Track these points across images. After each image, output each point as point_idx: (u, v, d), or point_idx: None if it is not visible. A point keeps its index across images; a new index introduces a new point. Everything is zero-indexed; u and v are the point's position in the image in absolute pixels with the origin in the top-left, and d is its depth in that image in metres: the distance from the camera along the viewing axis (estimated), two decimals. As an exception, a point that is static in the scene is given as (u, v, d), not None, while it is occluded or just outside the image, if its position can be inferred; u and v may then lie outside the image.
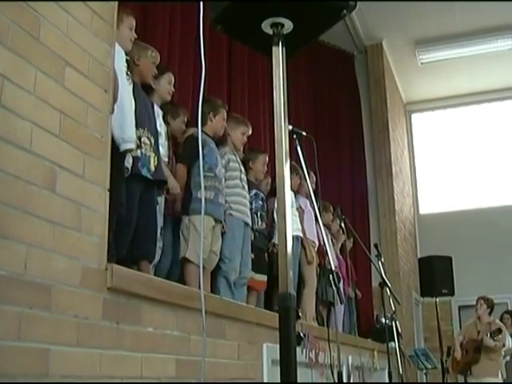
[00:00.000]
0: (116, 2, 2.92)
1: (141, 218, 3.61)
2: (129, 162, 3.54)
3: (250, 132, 5.33)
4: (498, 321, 8.30)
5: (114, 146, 3.28)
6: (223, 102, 5.04)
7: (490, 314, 8.26)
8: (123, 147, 3.36)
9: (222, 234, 4.68)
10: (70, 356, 2.25)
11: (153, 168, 3.73)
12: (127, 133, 3.38)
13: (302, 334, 1.95)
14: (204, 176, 4.37)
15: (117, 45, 3.47)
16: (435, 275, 9.13)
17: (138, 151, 3.64)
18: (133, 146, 3.46)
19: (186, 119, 4.75)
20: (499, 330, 7.88)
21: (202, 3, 2.25)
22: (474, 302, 8.57)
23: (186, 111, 4.82)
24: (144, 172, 3.64)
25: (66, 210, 2.34)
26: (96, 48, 2.66)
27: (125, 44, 3.63)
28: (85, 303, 2.38)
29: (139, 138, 3.67)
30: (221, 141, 5.01)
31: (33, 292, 2.11)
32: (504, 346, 8.12)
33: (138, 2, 5.02)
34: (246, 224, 5.00)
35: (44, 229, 2.21)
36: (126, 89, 3.49)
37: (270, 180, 6.07)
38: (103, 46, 2.73)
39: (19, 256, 2.07)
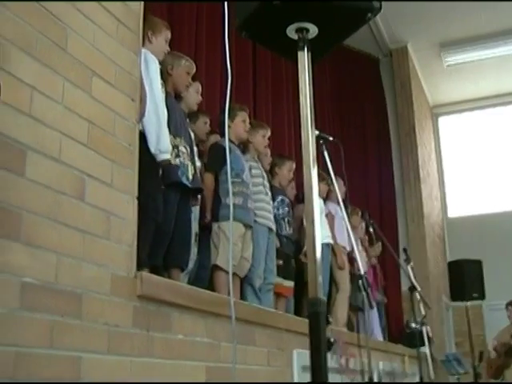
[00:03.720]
0: (141, 11, 2.94)
1: (176, 227, 3.63)
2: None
3: (270, 133, 5.32)
4: None
5: (151, 155, 3.33)
6: (240, 105, 5.04)
7: None
8: (160, 158, 3.40)
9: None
10: (101, 363, 2.26)
11: (190, 176, 3.76)
12: (164, 144, 3.43)
13: (332, 340, 1.93)
14: (232, 182, 4.38)
15: (151, 54, 3.51)
16: (465, 279, 9.02)
17: (177, 160, 3.68)
18: (169, 156, 3.50)
19: (207, 120, 4.76)
20: None
21: (226, 10, 2.25)
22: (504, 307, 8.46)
23: (204, 112, 4.82)
24: (184, 180, 3.66)
25: (95, 219, 2.36)
26: (122, 57, 2.69)
27: (159, 56, 3.66)
28: (115, 311, 2.39)
29: (177, 147, 3.71)
30: (243, 151, 5.02)
31: (64, 300, 2.12)
32: None
33: (163, 1, 5.06)
34: (270, 230, 4.99)
35: (74, 237, 2.23)
36: (161, 99, 3.53)
37: (294, 185, 6.07)
38: (129, 55, 2.75)
39: (50, 265, 2.09)
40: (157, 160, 3.40)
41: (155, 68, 3.57)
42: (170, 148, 3.56)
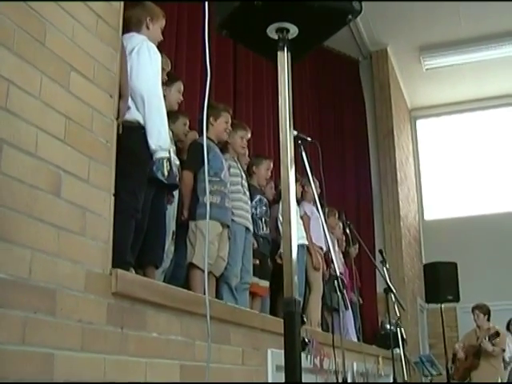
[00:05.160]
0: (121, 8, 2.93)
1: (151, 223, 3.60)
2: None
3: (249, 135, 5.32)
4: (497, 326, 8.26)
5: (143, 152, 3.30)
6: (225, 105, 5.03)
7: (488, 319, 8.22)
8: (159, 155, 3.38)
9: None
10: (74, 361, 2.25)
11: (166, 172, 3.73)
12: (165, 141, 3.41)
13: (306, 340, 1.94)
14: (210, 181, 4.37)
15: (153, 45, 3.48)
16: (440, 281, 9.09)
17: None
18: (168, 154, 3.48)
19: (187, 121, 4.74)
20: (497, 334, 7.84)
21: (207, 9, 2.25)
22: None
23: (185, 113, 4.81)
24: (159, 176, 3.64)
25: (71, 215, 2.34)
26: (101, 53, 2.67)
27: (153, 44, 3.63)
28: (89, 308, 2.38)
29: None
30: (222, 149, 5.01)
31: (37, 296, 2.11)
32: (504, 351, 8.08)
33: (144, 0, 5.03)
34: (247, 229, 5.00)
35: (48, 233, 2.21)
36: (161, 95, 3.51)
37: (273, 185, 6.07)
38: (108, 51, 2.74)
39: (24, 260, 2.07)
40: (155, 157, 3.38)
41: (158, 59, 3.54)
42: (169, 146, 3.54)
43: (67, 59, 2.42)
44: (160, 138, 3.35)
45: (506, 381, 8.79)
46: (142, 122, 3.30)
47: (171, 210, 4.19)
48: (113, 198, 2.65)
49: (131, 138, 3.13)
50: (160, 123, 3.37)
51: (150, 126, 3.31)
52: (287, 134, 1.84)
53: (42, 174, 2.22)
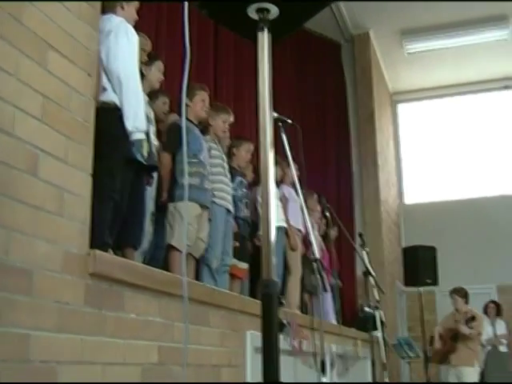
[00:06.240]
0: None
1: (130, 205, 3.59)
2: None
3: (232, 119, 5.30)
4: (474, 310, 8.34)
5: (120, 133, 3.29)
6: (201, 84, 5.01)
7: (466, 302, 8.30)
8: (136, 136, 3.38)
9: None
10: (50, 342, 2.24)
11: (145, 154, 3.72)
12: (142, 122, 3.40)
13: (284, 322, 1.94)
14: (189, 162, 4.36)
15: (130, 26, 3.46)
16: (419, 265, 9.16)
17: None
18: (144, 136, 3.46)
19: (166, 100, 4.72)
20: (473, 317, 7.92)
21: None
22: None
23: (165, 92, 4.78)
24: (138, 157, 3.62)
25: (48, 195, 2.32)
26: (79, 31, 2.63)
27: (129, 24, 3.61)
28: (66, 289, 2.36)
29: None
30: (203, 130, 4.99)
31: (13, 277, 2.09)
32: (481, 334, 8.17)
33: None
34: (228, 211, 5.00)
35: (25, 213, 2.19)
36: (138, 77, 3.50)
37: (253, 168, 6.06)
38: (87, 30, 2.70)
39: (0, 240, 2.05)
40: (131, 138, 3.37)
41: (136, 41, 3.52)
42: (146, 127, 3.53)
43: (45, 38, 2.39)
44: (136, 120, 3.34)
45: (482, 363, 8.91)
46: (118, 103, 3.29)
47: (150, 192, 4.17)
48: (91, 178, 2.62)
49: (108, 119, 3.12)
50: (137, 105, 3.36)
51: (127, 107, 3.30)
52: (266, 116, 1.82)
53: (19, 153, 2.19)
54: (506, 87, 12.58)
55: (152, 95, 4.47)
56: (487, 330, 9.44)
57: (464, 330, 7.83)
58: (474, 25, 10.36)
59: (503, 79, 12.42)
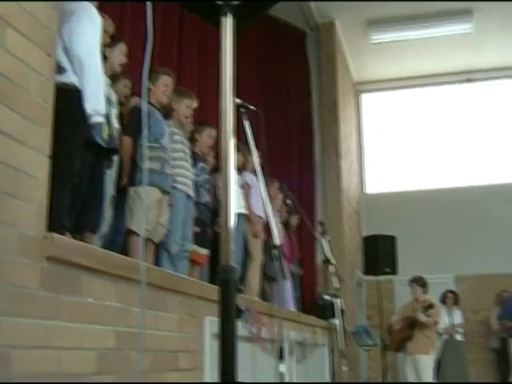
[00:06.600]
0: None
1: (88, 188, 3.55)
2: None
3: (196, 104, 5.27)
4: (432, 299, 8.46)
5: (79, 115, 3.25)
6: (165, 69, 4.97)
7: (425, 292, 8.41)
8: (95, 119, 3.34)
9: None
10: (4, 326, 2.20)
11: (106, 136, 3.68)
12: (101, 106, 3.36)
13: (243, 308, 1.93)
14: (150, 147, 4.33)
15: (93, 8, 3.41)
16: (379, 254, 9.26)
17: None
18: (103, 119, 3.42)
19: (128, 83, 4.68)
20: (431, 306, 8.04)
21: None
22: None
23: (126, 75, 4.73)
24: (98, 140, 3.57)
25: (5, 176, 2.27)
26: (39, 9, 2.57)
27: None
28: (22, 272, 2.32)
29: None
30: (166, 115, 4.96)
31: (-33, 259, 2.05)
32: (438, 323, 8.29)
33: None
34: (189, 196, 4.98)
35: (-20, 194, 2.15)
36: (99, 60, 3.46)
37: (215, 154, 6.05)
38: (47, 8, 2.64)
39: (-47, 222, 2.01)
40: (90, 121, 3.33)
41: (98, 24, 3.49)
42: (105, 111, 3.50)
43: (2, 15, 2.33)
44: (97, 103, 3.31)
45: (438, 351, 9.05)
46: (78, 85, 3.24)
47: (111, 175, 4.14)
48: (49, 160, 2.58)
49: (67, 100, 3.07)
50: (97, 88, 3.33)
51: (88, 90, 3.27)
52: (228, 102, 1.81)
53: (-25, 133, 2.14)
54: (468, 80, 12.73)
55: (114, 78, 4.42)
56: (444, 319, 9.59)
57: (421, 317, 7.94)
58: (438, 17, 10.46)
59: (466, 72, 12.57)
